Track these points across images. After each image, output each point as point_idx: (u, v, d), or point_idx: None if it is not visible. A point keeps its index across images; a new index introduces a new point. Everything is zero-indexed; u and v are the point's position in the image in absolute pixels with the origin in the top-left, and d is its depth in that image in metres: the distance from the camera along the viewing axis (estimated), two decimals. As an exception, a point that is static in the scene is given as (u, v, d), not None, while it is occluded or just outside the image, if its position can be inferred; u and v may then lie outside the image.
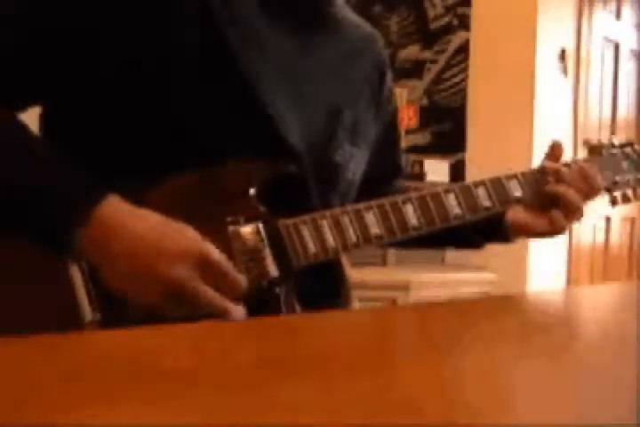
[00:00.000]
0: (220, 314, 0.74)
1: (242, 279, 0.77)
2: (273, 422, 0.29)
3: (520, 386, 0.37)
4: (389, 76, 1.07)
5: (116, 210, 0.73)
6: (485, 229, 1.00)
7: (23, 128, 0.79)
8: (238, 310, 0.76)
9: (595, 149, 1.08)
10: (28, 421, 0.28)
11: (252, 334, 0.52)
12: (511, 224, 1.00)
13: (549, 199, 0.98)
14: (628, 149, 1.09)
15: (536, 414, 0.31)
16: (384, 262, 3.16)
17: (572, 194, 0.97)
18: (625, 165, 1.08)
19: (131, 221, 0.73)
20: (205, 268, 0.73)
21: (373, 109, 1.01)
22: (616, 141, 1.10)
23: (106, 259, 0.73)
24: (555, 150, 1.02)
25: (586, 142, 1.10)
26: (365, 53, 1.02)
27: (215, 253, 0.74)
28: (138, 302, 0.74)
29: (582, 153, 2.32)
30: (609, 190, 1.07)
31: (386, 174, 1.10)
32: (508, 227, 1.00)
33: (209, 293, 0.74)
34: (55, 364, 0.39)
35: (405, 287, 2.66)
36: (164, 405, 0.31)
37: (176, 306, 0.73)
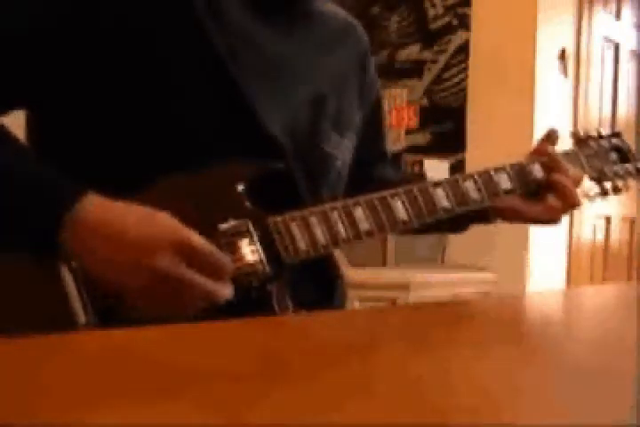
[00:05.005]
0: (208, 297, 0.74)
1: (226, 259, 0.76)
2: (272, 422, 0.29)
3: (519, 386, 0.37)
4: (372, 62, 1.07)
5: (96, 208, 0.73)
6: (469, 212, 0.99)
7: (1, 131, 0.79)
8: (227, 288, 0.76)
9: (582, 141, 1.08)
10: (24, 421, 0.28)
11: (250, 334, 0.52)
12: (504, 209, 0.99)
13: (544, 188, 0.98)
14: (615, 140, 1.09)
15: (535, 415, 0.31)
16: (384, 262, 3.16)
17: (568, 181, 0.97)
18: (613, 156, 1.07)
19: (110, 217, 0.73)
20: (188, 254, 0.73)
21: (357, 97, 1.02)
22: (603, 132, 1.09)
23: (91, 260, 0.73)
24: (550, 137, 1.02)
25: (573, 134, 1.09)
26: (346, 42, 1.03)
27: (195, 238, 0.74)
28: (128, 299, 0.73)
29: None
30: (598, 181, 1.07)
31: (370, 161, 1.10)
32: (497, 211, 1.00)
33: (194, 277, 0.73)
34: (52, 364, 0.39)
35: (405, 287, 2.66)
36: (163, 404, 0.31)
37: (165, 297, 0.73)
